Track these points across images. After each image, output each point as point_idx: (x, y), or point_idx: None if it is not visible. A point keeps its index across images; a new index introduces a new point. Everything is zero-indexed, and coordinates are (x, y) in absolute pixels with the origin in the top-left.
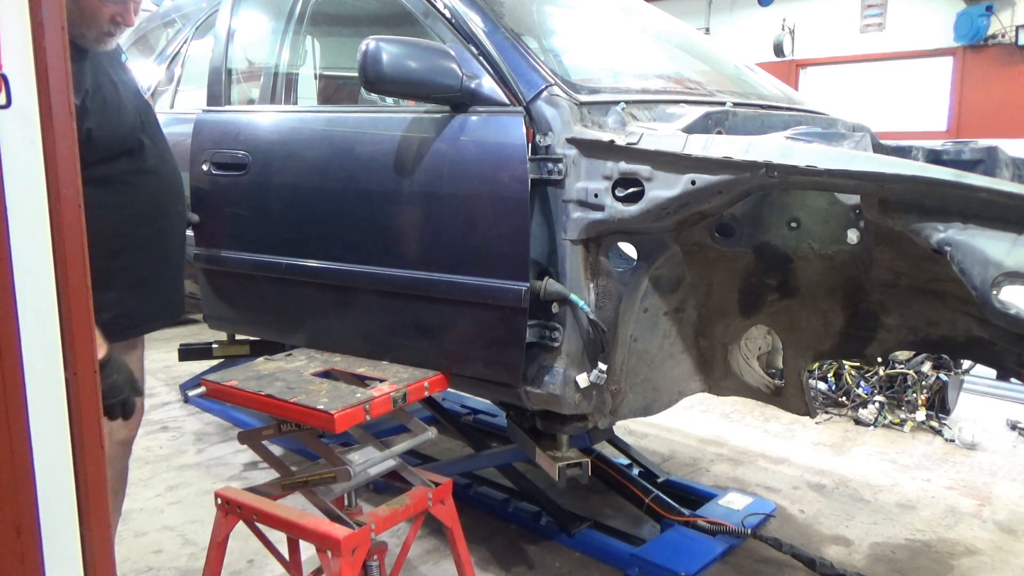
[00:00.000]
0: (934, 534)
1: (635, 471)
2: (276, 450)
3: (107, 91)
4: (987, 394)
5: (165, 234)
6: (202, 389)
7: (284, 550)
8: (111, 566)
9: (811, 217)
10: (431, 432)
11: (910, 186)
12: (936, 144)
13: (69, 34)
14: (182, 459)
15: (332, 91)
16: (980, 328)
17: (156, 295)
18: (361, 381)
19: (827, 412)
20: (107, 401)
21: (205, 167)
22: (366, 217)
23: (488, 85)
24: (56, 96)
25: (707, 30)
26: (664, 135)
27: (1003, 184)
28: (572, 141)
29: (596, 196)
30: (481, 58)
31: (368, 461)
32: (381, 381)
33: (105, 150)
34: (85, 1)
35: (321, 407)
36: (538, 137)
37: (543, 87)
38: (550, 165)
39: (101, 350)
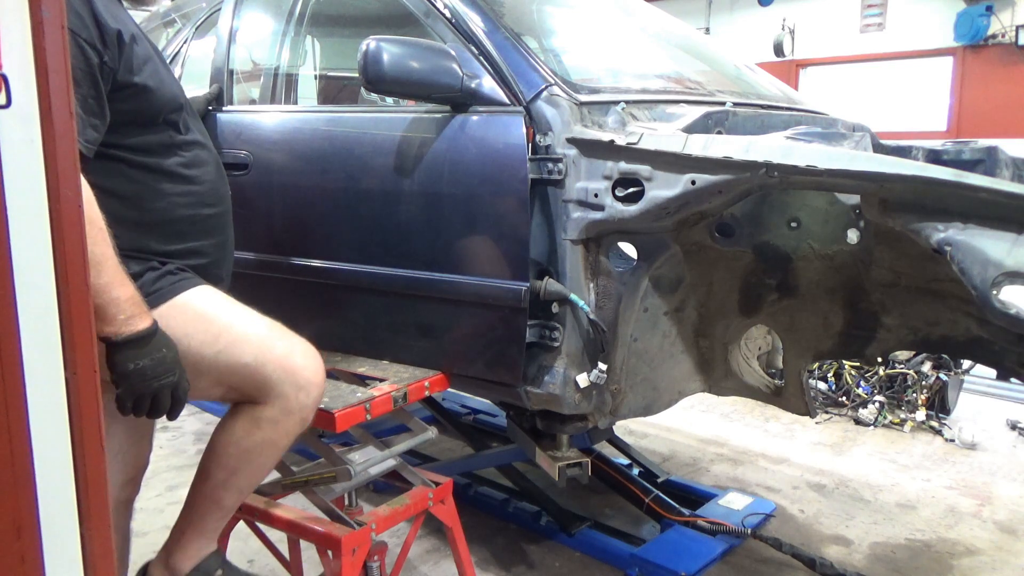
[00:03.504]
0: (934, 534)
1: (635, 471)
2: None
3: (149, 44)
4: (987, 394)
5: (225, 222)
6: None
7: (284, 550)
8: (111, 566)
9: (811, 217)
10: (431, 432)
11: (910, 186)
12: (936, 144)
13: None
14: (182, 459)
15: (333, 91)
16: (980, 328)
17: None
18: (361, 380)
19: (827, 412)
20: (154, 383)
21: None
22: (366, 217)
23: (488, 85)
24: (56, 96)
25: (707, 30)
26: (664, 135)
27: (1003, 184)
28: (572, 141)
29: (596, 196)
30: (481, 58)
31: (368, 461)
32: (381, 380)
33: (161, 103)
34: None
35: (322, 406)
36: (538, 137)
37: (543, 87)
38: (550, 165)
39: (146, 319)
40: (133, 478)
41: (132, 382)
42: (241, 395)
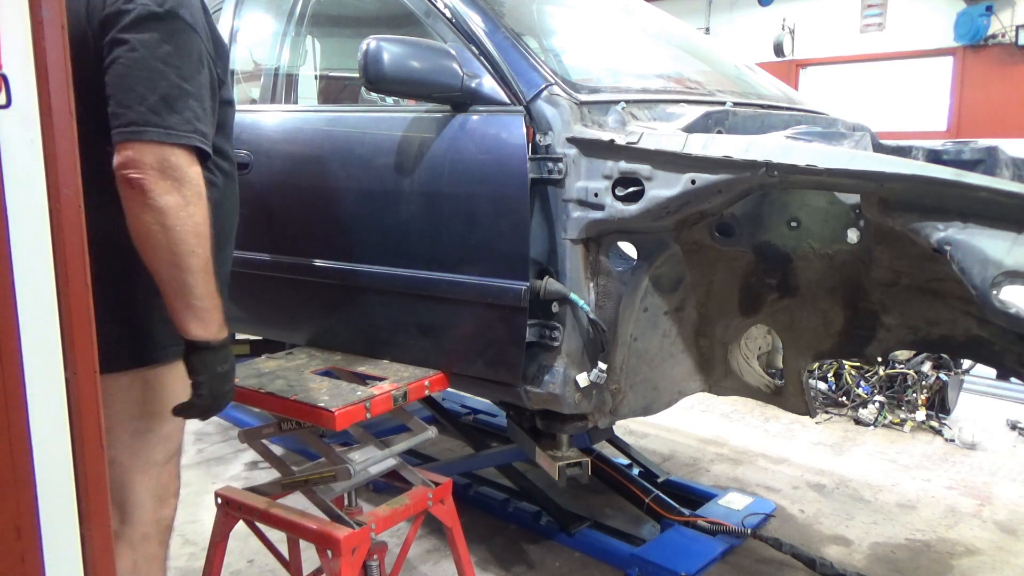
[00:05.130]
0: (934, 534)
1: (635, 471)
2: (276, 451)
3: None
4: (987, 394)
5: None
6: None
7: (284, 550)
8: (111, 566)
9: (811, 217)
10: (431, 431)
11: (910, 185)
12: (936, 144)
13: None
14: (182, 459)
15: (333, 91)
16: (980, 327)
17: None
18: (362, 379)
19: (827, 412)
20: (227, 385)
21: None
22: (366, 216)
23: (489, 85)
24: (56, 96)
25: (707, 30)
26: (664, 134)
27: (1003, 183)
28: (572, 140)
29: (596, 195)
30: (482, 58)
31: (368, 460)
32: (382, 380)
33: (233, 113)
34: None
35: (322, 404)
36: (538, 136)
37: (543, 87)
38: (550, 164)
39: (227, 329)
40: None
41: (215, 384)
42: (114, 486)
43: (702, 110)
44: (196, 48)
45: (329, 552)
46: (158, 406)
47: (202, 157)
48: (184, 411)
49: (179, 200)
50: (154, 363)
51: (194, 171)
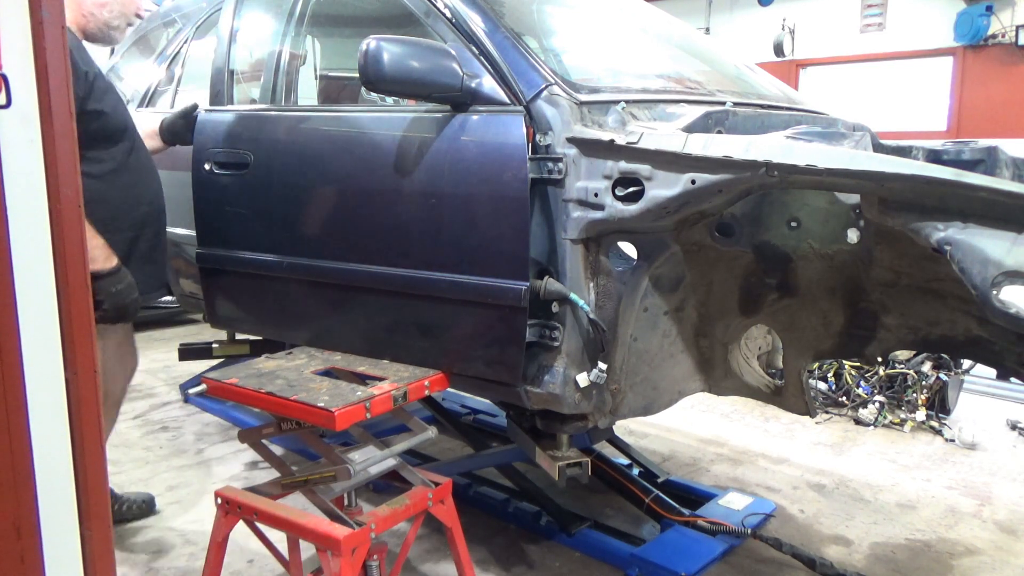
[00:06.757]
0: (934, 534)
1: (635, 471)
2: (276, 451)
3: (103, 76)
4: (987, 394)
5: (157, 215)
6: (203, 387)
7: (284, 550)
8: (111, 566)
9: (811, 216)
10: (431, 431)
11: (910, 185)
12: (936, 144)
13: (93, 27)
14: (182, 459)
15: (333, 91)
16: (980, 327)
17: (153, 269)
18: (361, 380)
19: (827, 412)
20: (127, 299)
21: (208, 166)
22: (366, 216)
23: (489, 85)
24: (56, 96)
25: (707, 30)
26: (664, 134)
27: (1003, 183)
28: (572, 140)
29: (596, 195)
30: (482, 58)
31: (368, 460)
32: (381, 380)
33: (115, 129)
34: None
35: (322, 404)
36: (538, 136)
37: (543, 87)
38: (550, 164)
39: (114, 259)
40: (126, 384)
41: (115, 300)
42: None
43: (702, 110)
44: None
45: (329, 552)
46: None
47: None
48: (106, 319)
49: None
50: None
51: None
